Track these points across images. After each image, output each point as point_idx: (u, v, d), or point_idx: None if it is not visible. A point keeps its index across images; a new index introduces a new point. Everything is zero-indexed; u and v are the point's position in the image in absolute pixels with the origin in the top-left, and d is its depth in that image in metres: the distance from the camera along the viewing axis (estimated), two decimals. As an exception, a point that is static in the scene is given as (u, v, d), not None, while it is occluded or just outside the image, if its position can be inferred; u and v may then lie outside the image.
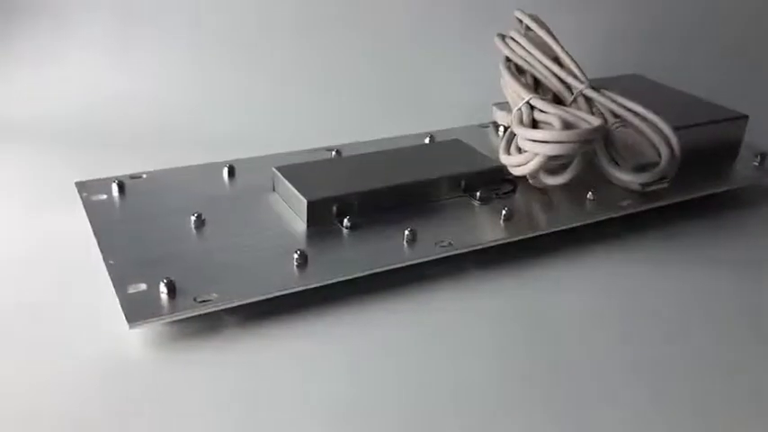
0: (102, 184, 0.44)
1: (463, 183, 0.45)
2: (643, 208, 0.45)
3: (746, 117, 0.51)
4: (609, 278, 0.41)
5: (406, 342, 0.35)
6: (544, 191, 0.46)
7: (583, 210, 0.45)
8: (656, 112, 0.46)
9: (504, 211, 0.42)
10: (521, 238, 0.42)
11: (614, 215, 0.45)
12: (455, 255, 0.40)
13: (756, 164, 0.52)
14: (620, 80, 0.58)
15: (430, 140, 0.52)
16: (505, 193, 0.45)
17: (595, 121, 0.42)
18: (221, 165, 0.46)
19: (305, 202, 0.40)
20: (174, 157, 0.48)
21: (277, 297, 0.36)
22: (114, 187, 0.43)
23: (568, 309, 0.39)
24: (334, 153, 0.49)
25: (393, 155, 0.47)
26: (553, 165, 0.44)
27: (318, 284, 0.36)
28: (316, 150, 0.50)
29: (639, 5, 0.73)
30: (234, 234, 0.40)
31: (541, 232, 0.42)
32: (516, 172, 0.43)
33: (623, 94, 0.47)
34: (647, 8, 0.73)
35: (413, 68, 0.67)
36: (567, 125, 0.43)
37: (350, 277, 0.37)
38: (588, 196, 0.45)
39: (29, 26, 0.62)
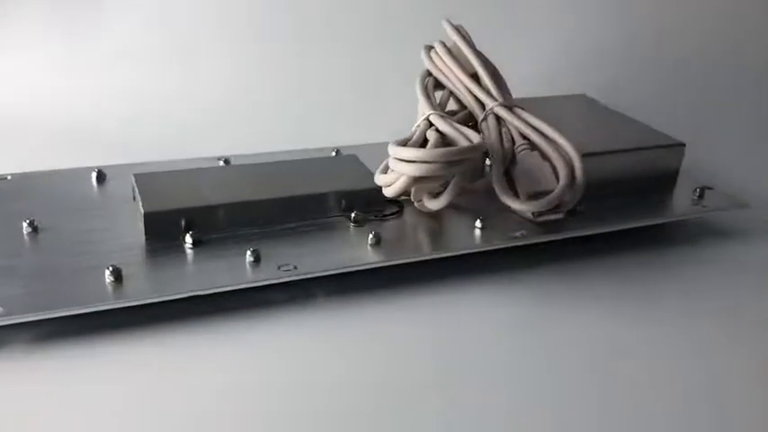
0: (-44, 184, 0.41)
1: (343, 202, 0.41)
2: (537, 240, 0.41)
3: (683, 145, 0.46)
4: (471, 314, 0.37)
5: (213, 372, 0.32)
6: (433, 215, 0.42)
7: (468, 238, 0.40)
8: (566, 135, 0.41)
9: (370, 235, 0.38)
10: (380, 265, 0.37)
11: (502, 246, 0.40)
12: (306, 280, 0.36)
13: (695, 198, 0.46)
14: (562, 100, 0.53)
15: (336, 155, 0.48)
16: (386, 216, 0.41)
17: (475, 139, 0.38)
18: (91, 170, 0.44)
19: (142, 212, 0.37)
20: (66, 158, 0.46)
21: (90, 314, 0.32)
22: (-34, 188, 0.41)
23: (406, 346, 0.34)
24: (221, 162, 0.46)
25: (273, 168, 0.43)
26: (430, 186, 0.40)
27: (126, 304, 0.33)
28: (206, 159, 0.46)
29: (621, 24, 0.68)
30: (66, 244, 0.37)
31: (406, 260, 0.38)
32: (386, 193, 0.39)
33: (541, 115, 0.42)
34: (626, 29, 0.68)
35: (359, 78, 0.63)
36: (445, 144, 0.39)
37: (167, 298, 0.34)
38: (476, 224, 0.41)
39: None
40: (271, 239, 0.38)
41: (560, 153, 0.41)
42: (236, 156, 0.47)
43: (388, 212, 0.42)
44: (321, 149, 0.49)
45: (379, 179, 0.39)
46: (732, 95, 0.65)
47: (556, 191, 0.39)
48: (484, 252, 0.40)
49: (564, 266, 0.41)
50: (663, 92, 0.65)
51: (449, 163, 0.36)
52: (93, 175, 0.43)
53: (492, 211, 0.41)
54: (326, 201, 0.41)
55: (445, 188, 0.40)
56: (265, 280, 0.35)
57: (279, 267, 0.36)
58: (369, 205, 0.41)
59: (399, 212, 0.42)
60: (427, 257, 0.38)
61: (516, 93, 0.46)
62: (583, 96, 0.54)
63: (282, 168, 0.43)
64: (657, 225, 0.45)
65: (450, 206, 0.42)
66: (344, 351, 0.34)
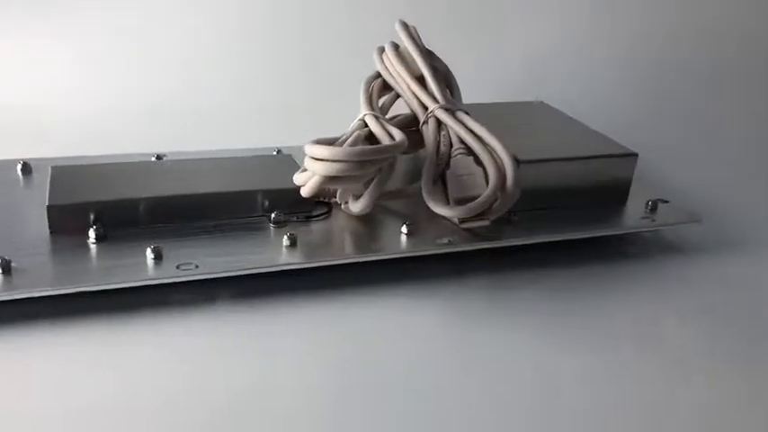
0: None
1: (266, 202, 0.39)
2: (463, 248, 0.39)
3: (635, 155, 0.44)
4: (383, 322, 0.35)
5: (90, 371, 0.31)
6: (363, 218, 0.40)
7: (392, 243, 0.38)
8: (503, 140, 0.39)
9: (285, 237, 0.37)
10: (288, 267, 0.36)
11: (424, 253, 0.38)
12: (214, 281, 0.35)
13: (646, 211, 0.44)
14: (520, 106, 0.51)
15: (276, 155, 0.47)
16: (312, 218, 0.40)
17: (398, 139, 0.37)
18: (17, 161, 0.43)
19: (46, 205, 0.36)
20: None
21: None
22: None
23: (306, 354, 0.33)
24: (154, 158, 0.45)
25: (200, 165, 0.42)
26: (354, 188, 0.38)
27: (8, 298, 0.32)
28: (141, 155, 0.45)
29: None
30: (-30, 234, 0.36)
31: (317, 263, 0.36)
32: (302, 193, 0.37)
33: (494, 121, 0.41)
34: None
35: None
36: (368, 143, 0.37)
37: (51, 293, 0.32)
38: (403, 229, 0.39)
39: None
40: (182, 237, 0.37)
41: (494, 158, 0.39)
42: (174, 153, 0.46)
43: (314, 214, 0.40)
44: (264, 149, 0.47)
45: (297, 178, 0.38)
46: (717, 111, 0.62)
47: (481, 197, 0.37)
48: (412, 258, 0.38)
49: (494, 277, 0.39)
50: (648, 103, 0.63)
51: (360, 162, 0.35)
52: (18, 166, 0.42)
53: (426, 216, 0.40)
54: (247, 200, 0.39)
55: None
56: (155, 279, 0.34)
57: (178, 266, 0.34)
58: (295, 206, 0.40)
59: (327, 214, 0.40)
60: (341, 261, 0.37)
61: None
62: (541, 103, 0.52)
63: (210, 166, 0.42)
64: (609, 238, 0.43)
65: (383, 209, 0.41)
66: (234, 356, 0.32)
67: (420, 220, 0.40)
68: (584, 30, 0.66)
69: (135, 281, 0.33)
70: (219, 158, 0.43)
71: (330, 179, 0.35)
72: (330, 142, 0.38)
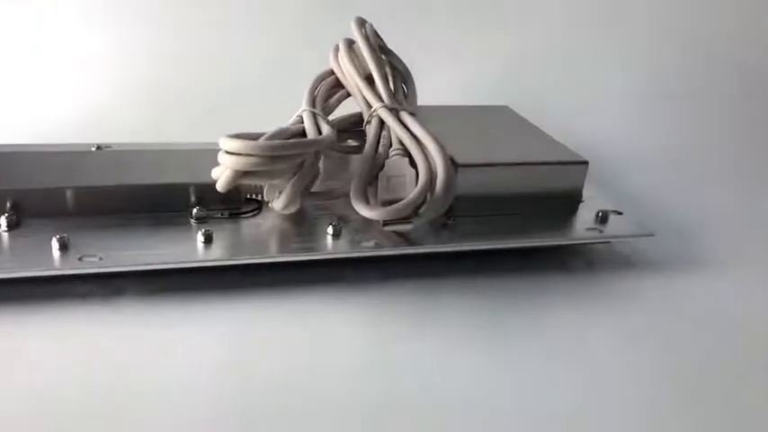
0: None
1: (193, 197, 0.38)
2: (386, 252, 0.37)
3: (585, 163, 0.42)
4: (287, 328, 0.34)
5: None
6: (293, 217, 0.39)
7: (316, 244, 0.37)
8: (439, 142, 0.38)
9: (199, 233, 0.36)
10: (195, 265, 0.35)
11: (345, 255, 0.37)
12: (124, 274, 0.34)
13: (596, 222, 0.42)
14: (482, 110, 0.50)
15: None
16: (236, 214, 0.39)
17: (324, 133, 0.35)
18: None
19: (-42, 191, 0.35)
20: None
21: None
22: None
23: (201, 357, 0.32)
24: (94, 149, 0.44)
25: (131, 157, 0.41)
26: (280, 185, 0.37)
27: None
28: (80, 144, 0.45)
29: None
30: None
31: (225, 262, 0.35)
32: (217, 188, 0.36)
33: (448, 123, 0.40)
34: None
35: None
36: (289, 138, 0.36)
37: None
38: (328, 230, 0.38)
39: None
40: (99, 229, 0.36)
41: (428, 160, 0.37)
42: (119, 144, 0.45)
43: (241, 211, 0.39)
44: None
45: (213, 173, 0.36)
46: (694, 122, 0.60)
47: (404, 200, 0.36)
48: (340, 260, 0.37)
49: (421, 283, 0.38)
50: (630, 113, 0.61)
51: (272, 157, 0.33)
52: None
53: (362, 218, 0.38)
54: (171, 194, 0.38)
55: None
56: (48, 270, 0.33)
57: (81, 258, 0.33)
58: (225, 202, 0.39)
59: (257, 212, 0.39)
60: (256, 260, 0.36)
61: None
62: (504, 108, 0.50)
63: (143, 158, 0.41)
64: (558, 248, 0.42)
65: (320, 208, 0.40)
66: (120, 351, 0.31)
67: (355, 222, 0.39)
68: (564, 36, 0.64)
69: (27, 271, 0.32)
70: (155, 151, 0.42)
71: (242, 174, 0.34)
72: (255, 137, 0.36)
